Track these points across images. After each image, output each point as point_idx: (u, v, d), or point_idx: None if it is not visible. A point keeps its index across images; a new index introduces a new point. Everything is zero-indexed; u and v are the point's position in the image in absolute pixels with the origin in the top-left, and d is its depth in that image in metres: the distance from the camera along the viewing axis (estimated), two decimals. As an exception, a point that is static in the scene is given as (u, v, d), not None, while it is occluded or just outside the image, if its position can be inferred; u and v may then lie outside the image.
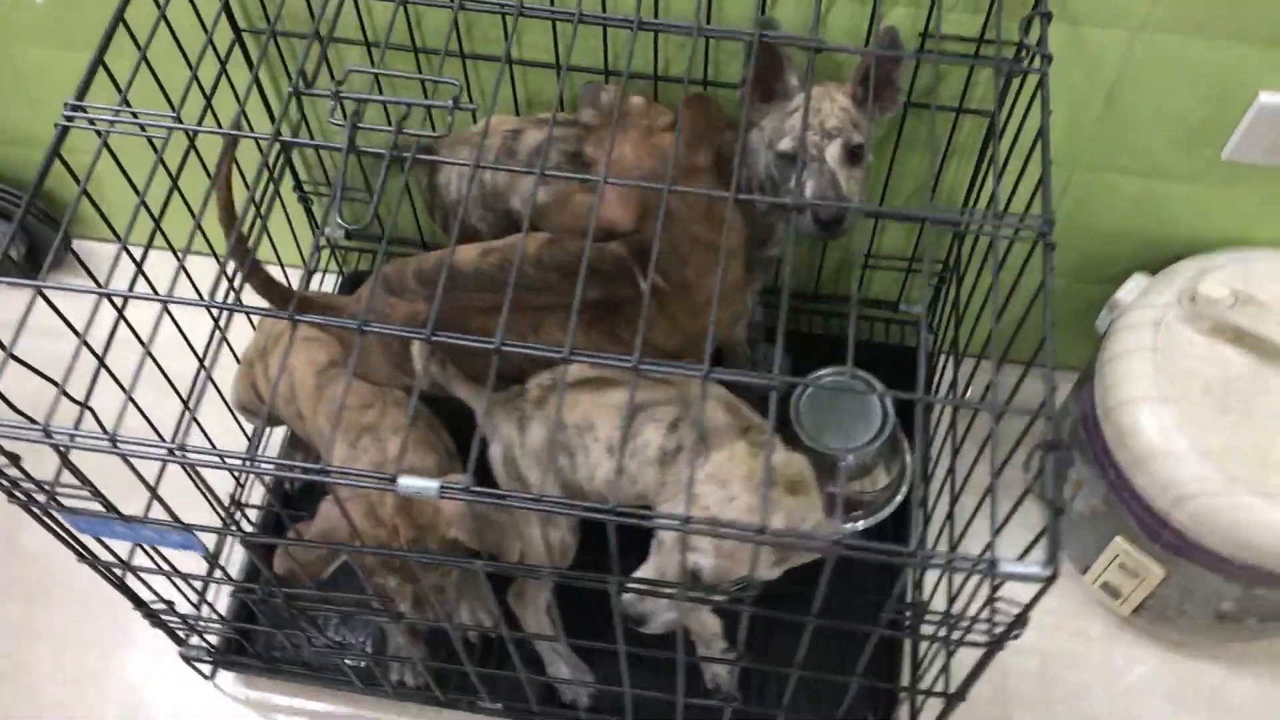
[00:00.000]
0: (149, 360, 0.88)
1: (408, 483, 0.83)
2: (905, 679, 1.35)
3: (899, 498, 1.47)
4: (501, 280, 1.12)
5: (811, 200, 1.13)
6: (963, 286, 1.31)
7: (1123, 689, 1.43)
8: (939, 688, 1.12)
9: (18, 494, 0.98)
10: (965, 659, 1.04)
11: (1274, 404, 1.21)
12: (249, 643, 1.37)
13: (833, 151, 1.13)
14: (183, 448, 0.84)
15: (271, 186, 1.36)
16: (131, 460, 0.88)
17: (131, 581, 1.19)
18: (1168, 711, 1.41)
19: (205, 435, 1.29)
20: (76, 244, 1.76)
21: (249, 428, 1.49)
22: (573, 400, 1.17)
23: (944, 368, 1.47)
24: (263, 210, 1.34)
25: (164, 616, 1.28)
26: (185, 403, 0.90)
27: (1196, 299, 1.25)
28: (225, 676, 1.45)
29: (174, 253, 0.93)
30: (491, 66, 1.34)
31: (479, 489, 0.83)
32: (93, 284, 0.91)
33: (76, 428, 0.85)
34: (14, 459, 0.94)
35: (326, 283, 1.71)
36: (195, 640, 1.36)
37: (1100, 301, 1.38)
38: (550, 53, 1.29)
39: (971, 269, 1.28)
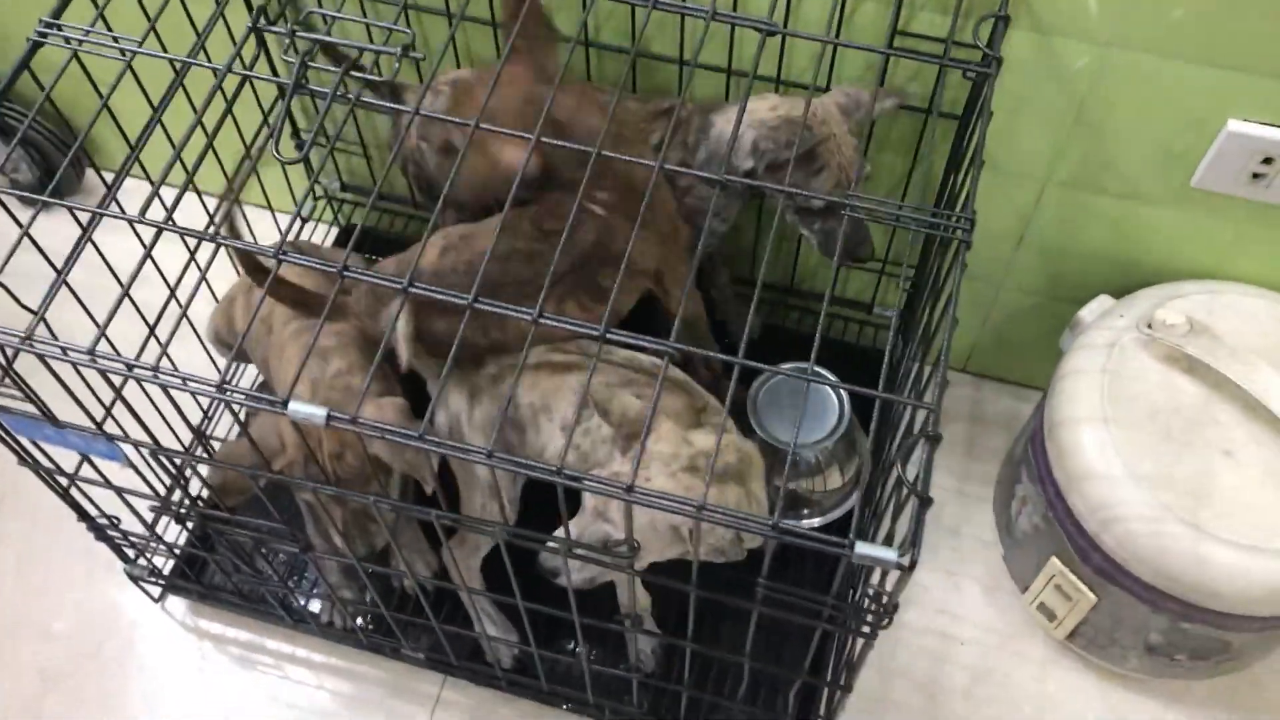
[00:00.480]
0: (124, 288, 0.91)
1: (296, 408, 0.85)
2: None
3: (850, 501, 1.47)
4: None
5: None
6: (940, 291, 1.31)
7: (1054, 715, 1.41)
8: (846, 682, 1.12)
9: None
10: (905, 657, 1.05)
11: (1218, 437, 1.20)
12: (190, 569, 1.41)
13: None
14: (130, 365, 0.88)
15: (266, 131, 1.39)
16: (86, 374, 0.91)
17: (75, 495, 1.23)
18: (1096, 743, 1.40)
19: (169, 359, 1.33)
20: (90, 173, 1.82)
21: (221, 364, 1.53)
22: (531, 381, 1.19)
23: (914, 374, 1.47)
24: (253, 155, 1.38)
25: (109, 532, 1.32)
26: (151, 327, 0.95)
27: (1153, 324, 1.23)
28: (174, 602, 1.49)
29: (149, 179, 0.96)
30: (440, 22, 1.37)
31: (365, 420, 0.85)
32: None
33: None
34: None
35: (318, 233, 1.74)
36: (142, 561, 1.40)
37: (1066, 319, 1.37)
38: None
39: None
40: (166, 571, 1.43)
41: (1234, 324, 1.25)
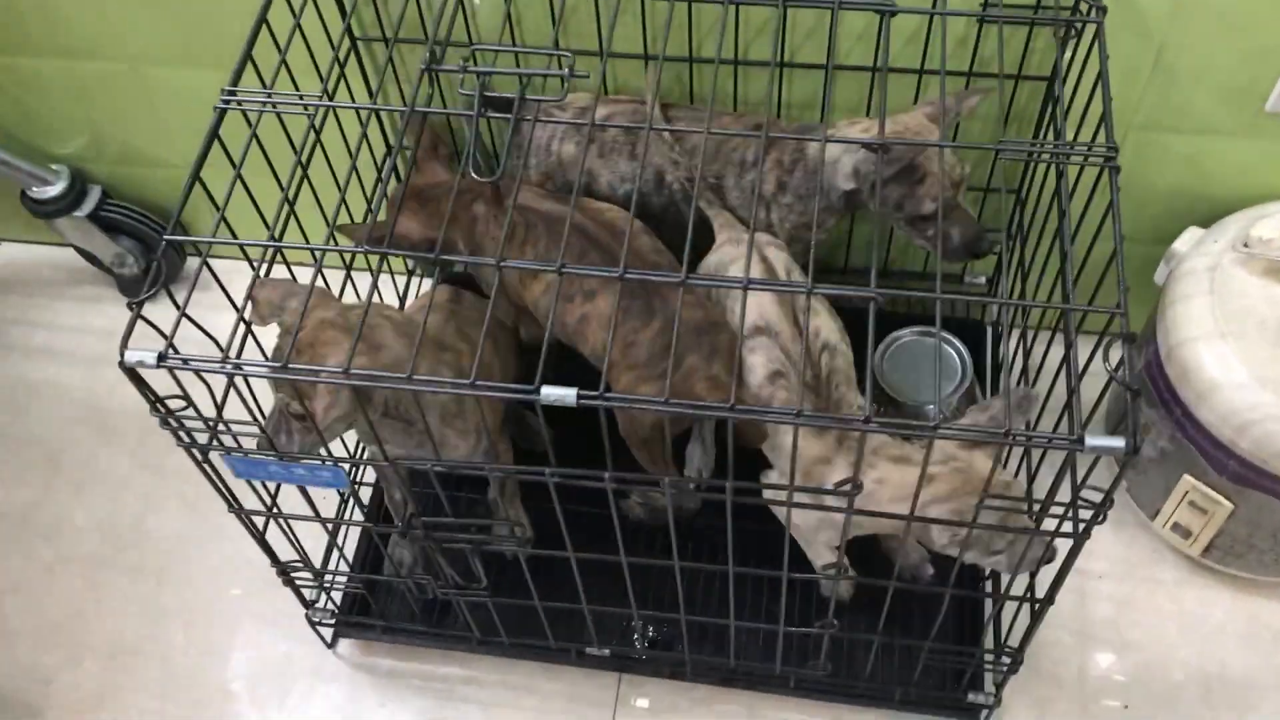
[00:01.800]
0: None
1: (549, 391, 0.93)
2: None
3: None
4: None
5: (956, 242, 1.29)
6: (1026, 245, 1.41)
7: (1197, 629, 1.50)
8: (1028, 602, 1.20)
9: (182, 436, 1.09)
10: (1044, 579, 1.13)
11: (1327, 337, 1.30)
12: (373, 598, 1.47)
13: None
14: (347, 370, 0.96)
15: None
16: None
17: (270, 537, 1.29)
18: (1241, 648, 1.48)
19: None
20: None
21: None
22: None
23: (1004, 341, 1.57)
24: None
25: (294, 575, 1.38)
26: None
27: (1249, 242, 1.33)
28: (344, 645, 1.55)
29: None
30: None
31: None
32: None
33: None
34: (186, 399, 1.05)
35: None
36: (320, 602, 1.46)
37: (1156, 261, 1.47)
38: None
39: (1034, 227, 1.38)
40: (338, 608, 1.49)
41: (1321, 234, 1.35)
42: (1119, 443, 0.88)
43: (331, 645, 1.55)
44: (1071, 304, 0.96)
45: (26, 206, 1.76)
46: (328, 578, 1.42)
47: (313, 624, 1.50)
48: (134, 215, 1.81)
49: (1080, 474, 0.99)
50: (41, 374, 1.84)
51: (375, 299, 1.06)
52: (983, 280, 1.64)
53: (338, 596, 1.50)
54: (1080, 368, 0.96)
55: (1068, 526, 1.02)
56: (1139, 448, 0.88)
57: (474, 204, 1.32)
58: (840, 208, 1.33)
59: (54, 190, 1.73)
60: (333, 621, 1.50)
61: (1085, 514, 1.00)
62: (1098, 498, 0.97)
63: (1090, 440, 0.88)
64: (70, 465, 1.74)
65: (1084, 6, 1.16)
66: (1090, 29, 1.14)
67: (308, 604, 1.47)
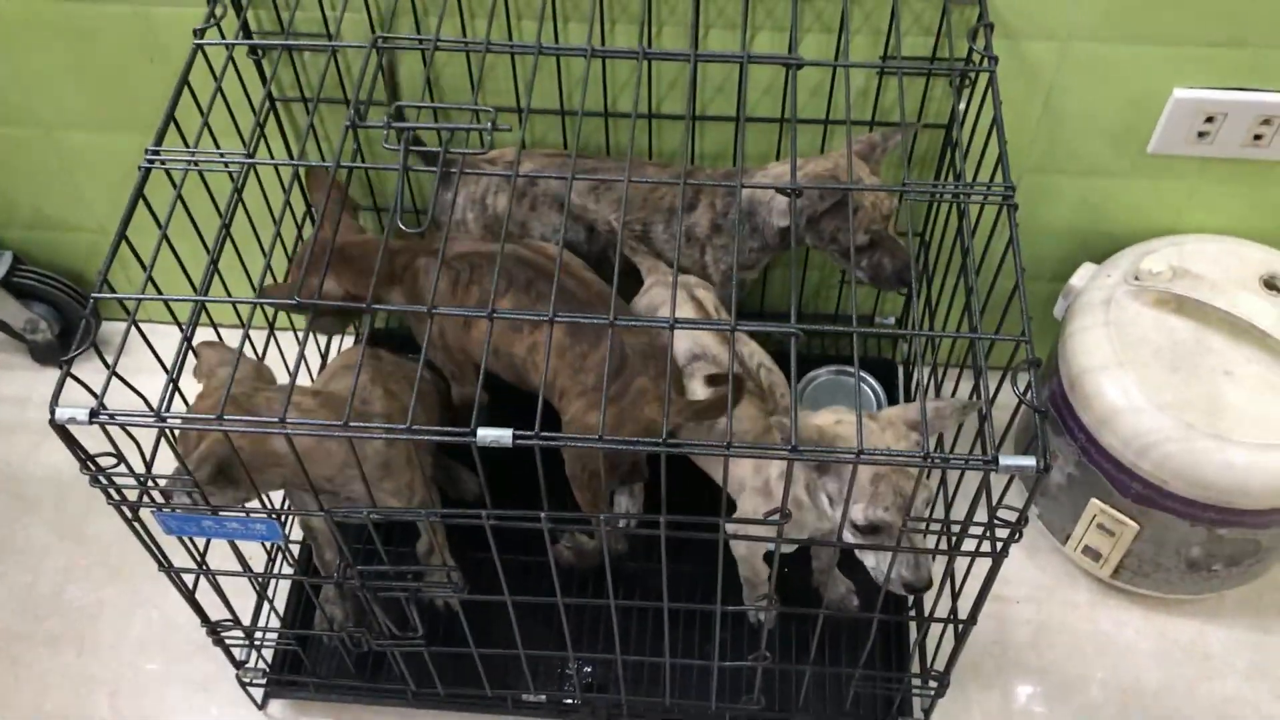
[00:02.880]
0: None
1: (485, 433, 0.96)
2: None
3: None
4: None
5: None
6: (932, 284, 1.48)
7: (1111, 648, 1.56)
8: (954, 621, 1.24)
9: (113, 494, 1.09)
10: (966, 604, 1.18)
11: (1215, 361, 1.37)
12: (305, 655, 1.46)
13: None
14: (283, 420, 0.97)
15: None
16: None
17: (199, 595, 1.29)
18: (1154, 666, 1.54)
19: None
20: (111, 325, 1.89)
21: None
22: None
23: (914, 376, 1.63)
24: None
25: (224, 634, 1.37)
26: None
27: (1140, 275, 1.41)
28: (275, 706, 1.53)
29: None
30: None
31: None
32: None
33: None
34: (118, 455, 1.05)
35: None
36: (251, 661, 1.45)
37: (1055, 297, 1.55)
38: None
39: (939, 266, 1.44)
40: (270, 666, 1.48)
41: (1204, 266, 1.43)
42: (1030, 461, 0.93)
43: (262, 706, 1.53)
44: (980, 333, 1.01)
45: (-66, 274, 1.74)
46: (258, 635, 1.41)
47: (243, 685, 1.48)
48: (47, 280, 1.79)
49: (995, 495, 1.04)
50: (-48, 444, 1.81)
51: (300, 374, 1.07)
52: (892, 321, 1.71)
53: (269, 654, 1.49)
54: (990, 395, 1.02)
55: (986, 546, 1.06)
56: (1049, 466, 0.93)
57: (415, 260, 1.34)
58: (775, 245, 1.38)
59: (-37, 258, 1.71)
60: (264, 681, 1.49)
61: (1002, 533, 1.04)
62: (1013, 517, 1.01)
63: (1004, 460, 0.93)
64: (-15, 536, 1.70)
65: (976, 57, 1.23)
66: (984, 77, 1.21)
67: (238, 664, 1.45)
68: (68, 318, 1.82)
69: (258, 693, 1.51)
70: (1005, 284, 1.16)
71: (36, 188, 1.71)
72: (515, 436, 0.94)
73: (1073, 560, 1.59)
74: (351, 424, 0.96)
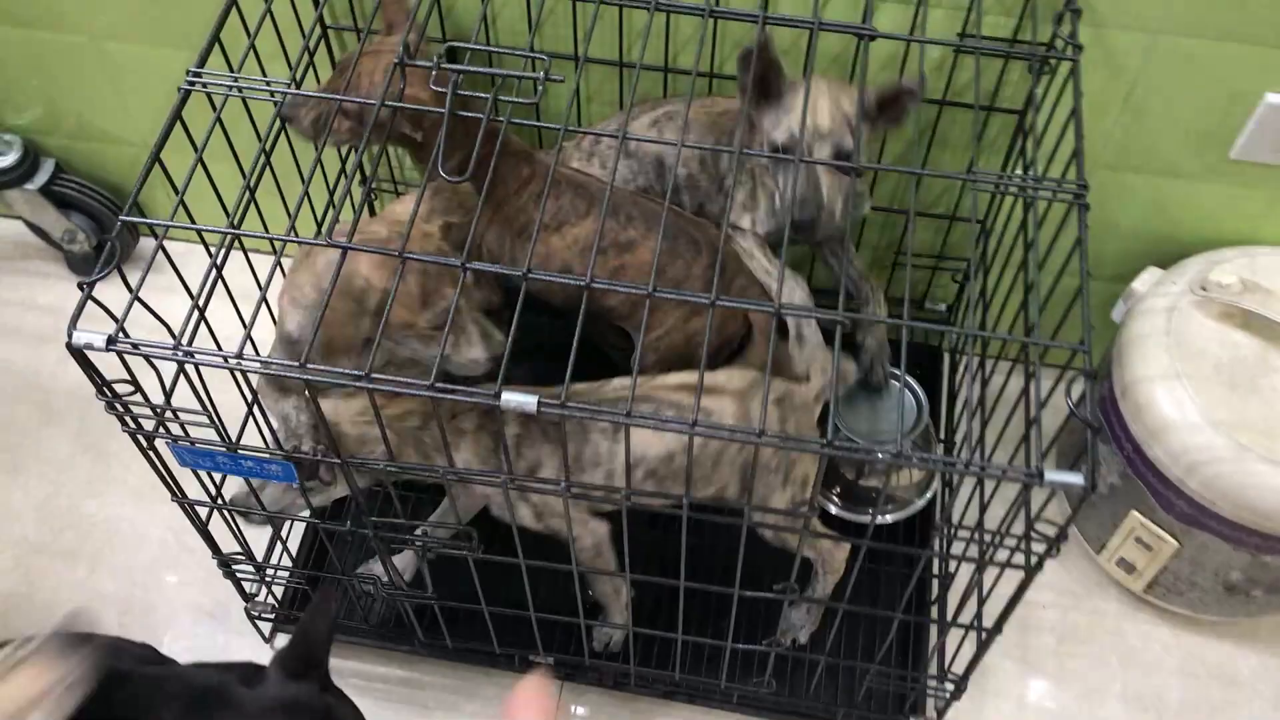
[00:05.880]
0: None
1: (509, 397, 0.92)
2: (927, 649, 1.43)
3: (928, 494, 1.55)
4: None
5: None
6: (989, 275, 1.42)
7: (1136, 663, 1.51)
8: (979, 629, 1.20)
9: (129, 422, 1.07)
10: (990, 608, 1.14)
11: (1278, 382, 1.31)
12: (313, 595, 1.44)
13: (822, 152, 1.20)
14: (304, 364, 0.94)
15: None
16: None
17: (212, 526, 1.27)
18: (1178, 684, 1.49)
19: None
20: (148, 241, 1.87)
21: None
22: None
23: (963, 367, 1.57)
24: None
25: (235, 567, 1.35)
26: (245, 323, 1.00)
27: (1207, 286, 1.35)
28: (282, 640, 1.52)
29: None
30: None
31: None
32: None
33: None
34: (134, 384, 1.03)
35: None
36: (261, 596, 1.44)
37: (1114, 298, 1.49)
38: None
39: (998, 257, 1.38)
40: (279, 603, 1.47)
41: (1277, 281, 1.37)
42: (1078, 478, 0.88)
43: (269, 640, 1.52)
44: (1036, 338, 0.96)
45: (-24, 176, 1.72)
46: (269, 572, 1.40)
47: (252, 618, 1.47)
48: (87, 191, 1.77)
49: (1035, 507, 1.00)
50: (-17, 348, 1.80)
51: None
52: (943, 308, 1.65)
53: (279, 591, 1.47)
54: (1040, 402, 0.97)
55: (1019, 558, 1.02)
56: (1096, 485, 0.89)
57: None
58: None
59: (5, 161, 1.69)
60: (272, 616, 1.48)
61: (1038, 548, 1.00)
62: (1051, 532, 0.97)
63: (1049, 475, 0.89)
64: (9, 444, 1.70)
65: (1059, 43, 1.17)
66: (1065, 65, 1.15)
67: (248, 597, 1.44)
68: (105, 230, 1.80)
69: (266, 626, 1.50)
70: (1065, 282, 1.10)
71: (82, 97, 1.68)
72: (541, 404, 0.91)
73: (1105, 570, 1.54)
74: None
